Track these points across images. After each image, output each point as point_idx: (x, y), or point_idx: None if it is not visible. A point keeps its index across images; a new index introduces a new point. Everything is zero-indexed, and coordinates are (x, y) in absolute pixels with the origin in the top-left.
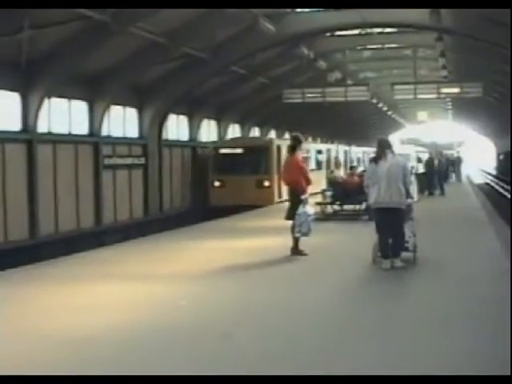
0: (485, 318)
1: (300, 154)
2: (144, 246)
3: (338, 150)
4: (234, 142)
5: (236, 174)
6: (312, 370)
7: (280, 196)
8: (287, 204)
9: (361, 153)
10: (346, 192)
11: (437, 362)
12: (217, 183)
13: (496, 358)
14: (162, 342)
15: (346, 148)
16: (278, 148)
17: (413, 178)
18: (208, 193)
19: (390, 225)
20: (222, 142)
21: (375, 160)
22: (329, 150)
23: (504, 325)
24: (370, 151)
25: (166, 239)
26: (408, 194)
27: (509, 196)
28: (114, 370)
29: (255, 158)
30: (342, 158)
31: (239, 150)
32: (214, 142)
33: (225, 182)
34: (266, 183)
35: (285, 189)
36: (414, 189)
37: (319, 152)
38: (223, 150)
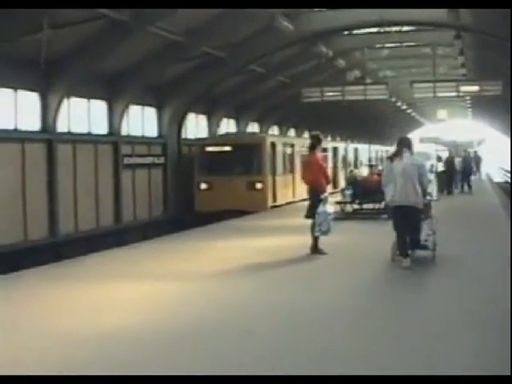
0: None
1: (319, 153)
2: (162, 245)
3: (358, 148)
4: (222, 139)
5: (224, 175)
6: (332, 368)
7: (275, 200)
8: (306, 203)
9: (380, 151)
10: (366, 191)
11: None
12: (203, 185)
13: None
14: (183, 340)
15: (358, 146)
16: (273, 145)
17: (433, 177)
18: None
19: (407, 223)
20: (208, 138)
21: (391, 158)
22: (346, 149)
23: None
24: (385, 150)
25: (184, 238)
26: (425, 193)
27: None
28: (133, 369)
29: (246, 156)
30: (364, 157)
31: (228, 148)
32: (200, 139)
33: (212, 184)
34: (258, 185)
35: (281, 192)
36: (433, 187)
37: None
38: (210, 148)
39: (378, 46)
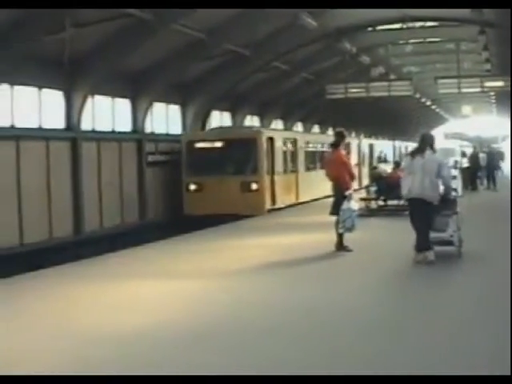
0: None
1: (343, 150)
2: (184, 244)
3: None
4: (212, 134)
5: (216, 175)
6: (352, 368)
7: (274, 202)
8: (331, 200)
9: (404, 147)
10: (390, 187)
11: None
12: (192, 186)
13: None
14: (202, 339)
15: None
16: (271, 141)
17: (457, 173)
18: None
19: (421, 216)
20: (197, 133)
21: (412, 154)
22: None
23: None
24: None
25: (199, 238)
26: (448, 190)
27: None
28: (151, 368)
29: (240, 153)
30: (388, 153)
31: (219, 144)
32: (188, 134)
33: (202, 184)
34: (254, 186)
35: (281, 193)
36: (458, 183)
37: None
38: (200, 144)
39: (401, 41)
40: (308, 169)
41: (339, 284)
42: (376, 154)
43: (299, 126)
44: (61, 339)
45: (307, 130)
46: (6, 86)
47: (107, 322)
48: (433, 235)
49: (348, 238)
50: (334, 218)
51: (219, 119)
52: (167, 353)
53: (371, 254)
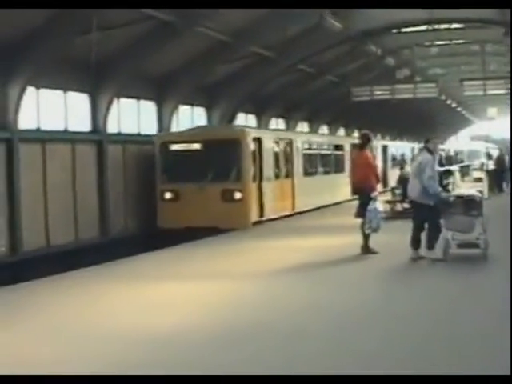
0: None
1: (369, 152)
2: (212, 246)
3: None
4: (190, 134)
5: (193, 182)
6: (381, 369)
7: (262, 214)
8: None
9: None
10: None
11: None
12: (167, 195)
13: None
14: (234, 341)
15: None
16: (259, 142)
17: (483, 175)
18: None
19: (415, 217)
20: (172, 133)
21: (413, 157)
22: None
23: None
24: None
25: (231, 240)
26: (426, 191)
27: None
28: (185, 369)
29: (221, 156)
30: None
31: (198, 146)
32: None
33: (178, 192)
34: (237, 195)
35: (272, 203)
36: (484, 185)
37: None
38: (175, 146)
39: (427, 43)
40: (308, 174)
41: (365, 287)
42: (390, 156)
43: (325, 129)
44: (90, 340)
45: (332, 132)
46: (31, 89)
47: (141, 324)
48: (459, 237)
49: (373, 241)
50: (358, 221)
51: (244, 122)
52: (199, 355)
53: (397, 256)
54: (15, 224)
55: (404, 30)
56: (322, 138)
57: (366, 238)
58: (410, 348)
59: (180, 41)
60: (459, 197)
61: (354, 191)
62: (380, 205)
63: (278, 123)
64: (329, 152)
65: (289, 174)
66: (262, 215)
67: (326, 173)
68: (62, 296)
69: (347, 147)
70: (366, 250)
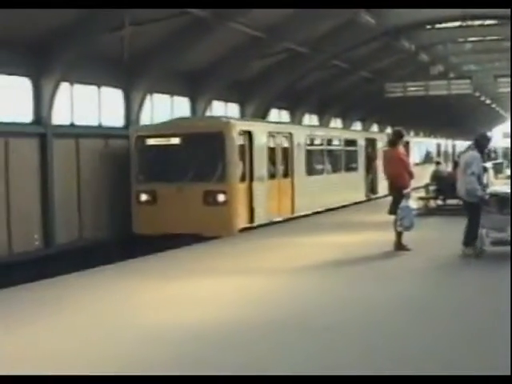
0: None
1: (402, 148)
2: (238, 243)
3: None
4: (168, 127)
5: (172, 182)
6: (410, 367)
7: (251, 218)
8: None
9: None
10: (450, 186)
11: None
12: (143, 197)
13: None
14: (262, 336)
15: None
16: (249, 136)
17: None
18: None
19: (467, 214)
20: (148, 126)
21: (460, 154)
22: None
23: None
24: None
25: (260, 236)
26: (471, 189)
27: None
28: (211, 365)
29: (203, 152)
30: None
31: (177, 140)
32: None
33: (155, 194)
34: (221, 197)
35: (264, 206)
36: None
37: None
38: (152, 141)
39: (460, 40)
40: (312, 172)
41: (399, 283)
42: (412, 153)
43: (358, 125)
44: (122, 336)
45: (366, 128)
46: (65, 85)
47: (168, 320)
48: (492, 234)
49: (407, 238)
50: (392, 217)
51: (278, 118)
52: (226, 350)
53: (430, 253)
54: (49, 218)
55: (438, 26)
56: (330, 131)
57: (399, 234)
58: (447, 347)
59: (213, 36)
60: (493, 195)
61: (389, 188)
62: (413, 202)
63: (311, 119)
64: (339, 148)
65: (288, 173)
66: (251, 220)
67: (335, 171)
68: (91, 291)
69: (361, 142)
70: (399, 246)
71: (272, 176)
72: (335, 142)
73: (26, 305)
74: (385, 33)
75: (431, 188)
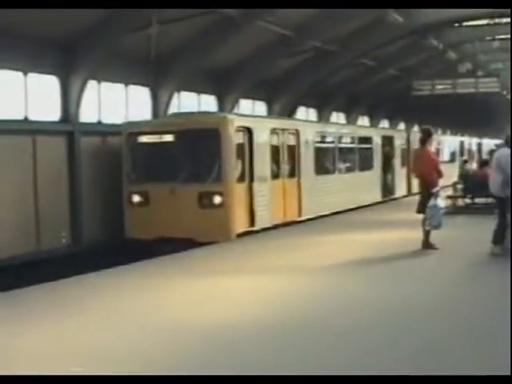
0: None
1: (431, 147)
2: (267, 241)
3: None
4: (161, 123)
5: (166, 182)
6: (435, 367)
7: (251, 221)
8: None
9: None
10: (478, 185)
11: None
12: (136, 198)
13: None
14: (286, 334)
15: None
16: (248, 132)
17: None
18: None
19: (499, 212)
20: (141, 122)
21: (490, 153)
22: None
23: None
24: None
25: (285, 234)
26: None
27: None
28: (239, 364)
29: (198, 151)
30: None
31: (170, 138)
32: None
33: (148, 195)
34: (217, 199)
35: (266, 209)
36: None
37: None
38: (144, 138)
39: (488, 38)
40: (322, 172)
41: (426, 282)
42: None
43: (386, 123)
44: (153, 332)
45: (393, 126)
46: (93, 83)
47: (198, 317)
48: None
49: (435, 236)
50: (419, 216)
51: (305, 116)
52: (254, 348)
53: (458, 252)
54: (77, 215)
55: (465, 24)
56: (343, 128)
57: (427, 233)
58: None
59: (241, 35)
60: None
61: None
62: (442, 201)
63: (338, 117)
64: (352, 146)
65: (294, 173)
66: (251, 224)
67: (349, 170)
68: (118, 289)
69: (377, 140)
70: (427, 245)
71: (276, 176)
72: (348, 140)
73: (51, 304)
74: (413, 31)
75: (459, 186)
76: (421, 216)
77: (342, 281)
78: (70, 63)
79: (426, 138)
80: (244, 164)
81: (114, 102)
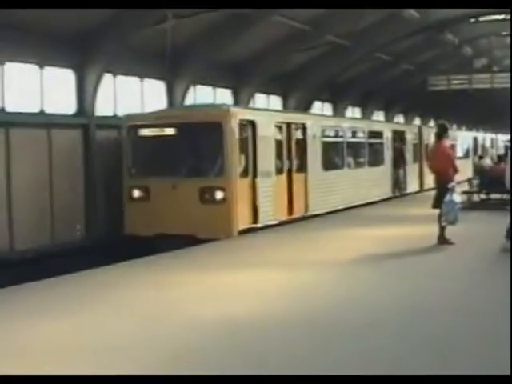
0: None
1: (447, 142)
2: (280, 235)
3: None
4: (163, 116)
5: (167, 176)
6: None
7: (255, 218)
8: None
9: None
10: (493, 180)
11: None
12: (136, 193)
13: None
14: (300, 332)
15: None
16: (252, 126)
17: None
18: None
19: None
20: (143, 114)
21: (506, 148)
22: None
23: None
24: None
25: (302, 229)
26: None
27: None
28: (252, 359)
29: (199, 145)
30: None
31: (171, 131)
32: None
33: (149, 190)
34: (219, 194)
35: (269, 205)
36: None
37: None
38: (145, 131)
39: (504, 33)
40: (329, 167)
41: (442, 278)
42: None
43: (401, 119)
44: (166, 325)
45: (409, 122)
46: (109, 76)
47: (212, 311)
48: None
49: (450, 231)
50: (435, 211)
51: (321, 110)
52: (270, 342)
53: (473, 247)
54: (91, 209)
55: (481, 19)
56: (352, 122)
57: (443, 228)
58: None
59: (256, 29)
60: None
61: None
62: (458, 196)
63: (354, 112)
64: (362, 140)
65: (300, 168)
66: (255, 221)
67: (358, 166)
68: (134, 282)
69: (387, 134)
70: (443, 240)
71: (280, 171)
72: (357, 134)
73: (67, 297)
74: (428, 26)
75: (475, 182)
76: (434, 211)
77: (356, 275)
78: (85, 57)
79: (442, 133)
80: (247, 159)
81: (130, 96)
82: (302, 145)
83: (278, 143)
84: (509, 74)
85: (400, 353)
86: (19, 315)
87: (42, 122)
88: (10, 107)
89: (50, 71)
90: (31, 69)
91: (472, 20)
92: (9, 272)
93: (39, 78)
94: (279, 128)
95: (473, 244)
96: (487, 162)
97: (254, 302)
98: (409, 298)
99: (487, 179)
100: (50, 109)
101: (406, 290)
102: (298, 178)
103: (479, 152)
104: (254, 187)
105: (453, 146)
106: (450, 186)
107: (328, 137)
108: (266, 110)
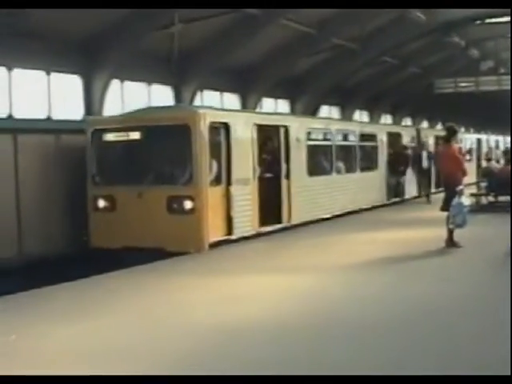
0: None
1: (455, 145)
2: (287, 240)
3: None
4: (128, 119)
5: (133, 184)
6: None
7: (228, 229)
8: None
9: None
10: (501, 183)
11: None
12: (100, 203)
13: None
14: (310, 335)
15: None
16: (225, 129)
17: None
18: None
19: None
20: (108, 117)
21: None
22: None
23: None
24: None
25: (310, 232)
26: None
27: None
28: (257, 362)
29: (167, 150)
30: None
31: (137, 135)
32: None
33: (114, 200)
34: (188, 204)
35: (244, 214)
36: None
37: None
38: (110, 136)
39: (510, 35)
40: (315, 173)
41: (449, 281)
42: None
43: (408, 121)
44: (170, 331)
45: (416, 125)
46: (116, 81)
47: (221, 315)
48: None
49: (458, 234)
50: (442, 214)
51: (328, 114)
52: (273, 347)
53: (481, 250)
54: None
55: (488, 21)
56: (340, 125)
57: (451, 231)
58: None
59: (263, 33)
60: None
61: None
62: (466, 199)
63: (361, 115)
64: (352, 143)
65: (285, 174)
66: (229, 232)
67: (348, 171)
68: (139, 287)
69: (382, 137)
70: (450, 243)
71: (259, 178)
72: (348, 137)
73: (75, 305)
74: (435, 29)
75: (482, 184)
76: (440, 214)
77: (365, 279)
78: (92, 62)
79: (450, 136)
80: (220, 165)
81: (137, 102)
82: (283, 149)
83: (256, 147)
84: None
85: (403, 355)
86: None
87: (50, 127)
88: (18, 113)
89: (58, 77)
90: (38, 75)
91: (478, 22)
92: None
93: (46, 83)
94: (257, 131)
95: (481, 247)
96: (495, 164)
97: (257, 308)
98: (414, 301)
99: (495, 181)
100: (57, 115)
101: (412, 293)
102: (279, 185)
103: (483, 155)
104: (227, 196)
105: (460, 149)
106: (458, 188)
107: (314, 140)
108: (243, 111)
